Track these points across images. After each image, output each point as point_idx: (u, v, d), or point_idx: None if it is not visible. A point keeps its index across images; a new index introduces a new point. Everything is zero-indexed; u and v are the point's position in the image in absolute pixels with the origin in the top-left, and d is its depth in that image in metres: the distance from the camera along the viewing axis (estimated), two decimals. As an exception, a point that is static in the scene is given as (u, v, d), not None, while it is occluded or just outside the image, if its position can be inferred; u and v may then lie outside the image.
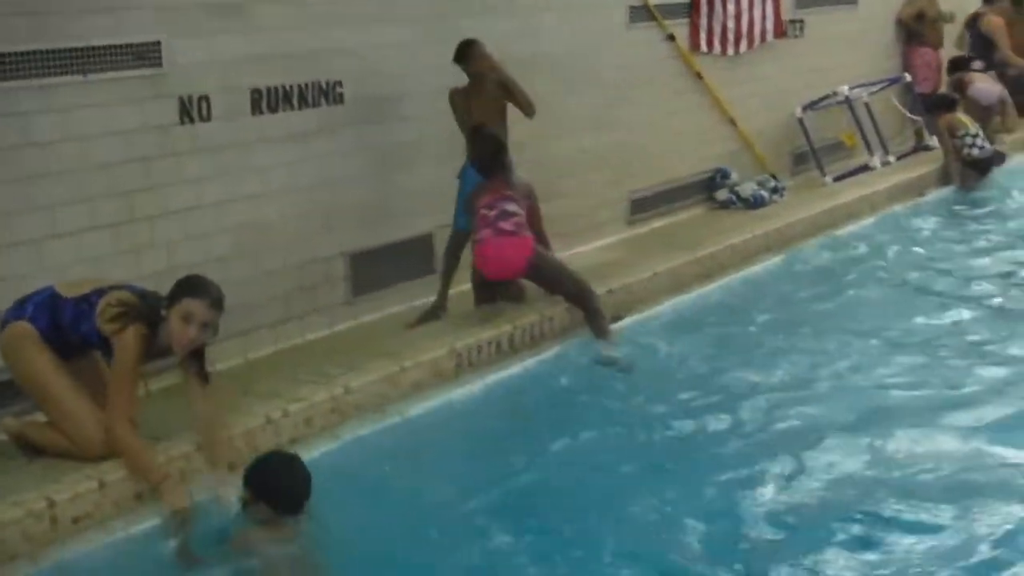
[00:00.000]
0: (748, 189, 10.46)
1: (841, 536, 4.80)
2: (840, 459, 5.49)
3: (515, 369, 6.72)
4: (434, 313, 7.40)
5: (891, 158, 11.63)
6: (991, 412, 5.96)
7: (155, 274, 5.99)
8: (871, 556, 4.65)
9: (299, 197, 7.00)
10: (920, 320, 7.43)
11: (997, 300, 7.75)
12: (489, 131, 7.23)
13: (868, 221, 10.00)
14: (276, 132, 6.83)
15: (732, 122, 10.71)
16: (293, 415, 5.65)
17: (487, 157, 7.18)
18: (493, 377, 6.59)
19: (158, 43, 6.20)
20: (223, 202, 6.63)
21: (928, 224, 10.01)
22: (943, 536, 4.78)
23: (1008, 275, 8.39)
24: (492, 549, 4.81)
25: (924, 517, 4.92)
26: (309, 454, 5.52)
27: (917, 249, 9.22)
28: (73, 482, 4.85)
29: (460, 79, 7.46)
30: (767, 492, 5.21)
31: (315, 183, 7.07)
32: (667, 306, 7.81)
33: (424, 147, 7.55)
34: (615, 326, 7.27)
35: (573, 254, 8.89)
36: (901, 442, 5.63)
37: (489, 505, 5.21)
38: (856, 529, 4.84)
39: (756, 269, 8.64)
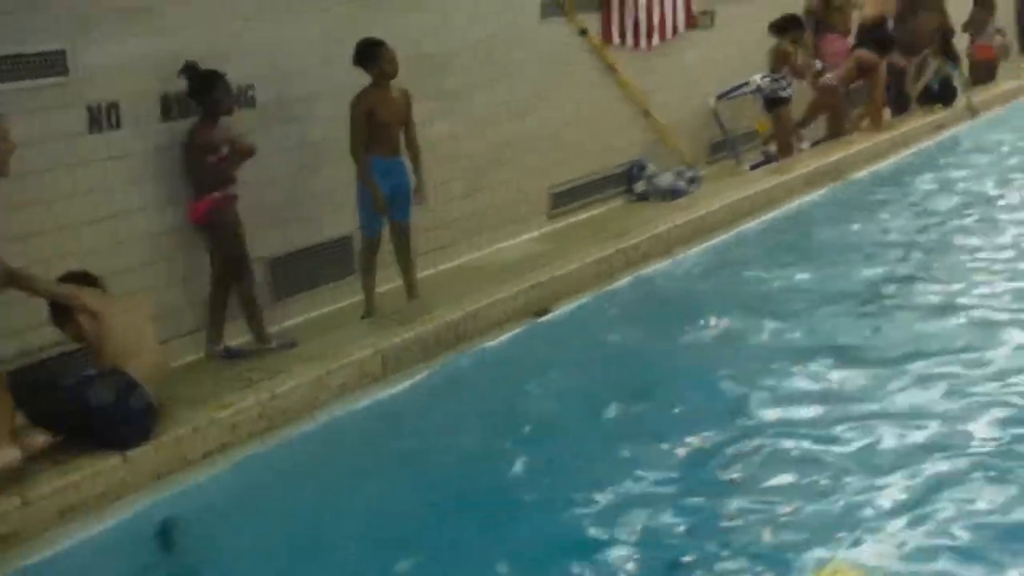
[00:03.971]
0: (665, 180, 10.67)
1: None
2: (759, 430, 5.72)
3: (440, 368, 6.79)
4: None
5: (805, 144, 11.92)
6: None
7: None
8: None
9: (160, 214, 6.97)
10: (836, 305, 7.63)
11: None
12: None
13: (788, 207, 10.22)
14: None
15: (647, 114, 10.91)
16: (219, 422, 5.68)
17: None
18: (418, 377, 6.65)
19: (63, 52, 6.19)
20: (138, 209, 6.63)
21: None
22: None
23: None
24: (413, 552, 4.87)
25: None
26: (236, 460, 5.62)
27: (832, 234, 9.47)
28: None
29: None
30: (701, 468, 5.37)
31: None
32: (592, 297, 7.93)
33: (339, 147, 7.58)
34: (541, 319, 7.42)
35: (496, 249, 9.05)
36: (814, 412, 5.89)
37: (408, 510, 5.28)
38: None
39: (679, 258, 8.79)
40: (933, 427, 5.67)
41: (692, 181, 10.80)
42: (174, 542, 5.04)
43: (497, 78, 9.16)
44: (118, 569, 4.82)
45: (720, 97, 11.72)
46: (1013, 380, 6.15)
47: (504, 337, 7.22)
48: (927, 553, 4.58)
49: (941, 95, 13.85)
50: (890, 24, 13.50)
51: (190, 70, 6.61)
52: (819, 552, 4.59)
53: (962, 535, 4.68)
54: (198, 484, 5.41)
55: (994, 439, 5.50)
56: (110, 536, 5.00)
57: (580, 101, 10.10)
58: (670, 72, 11.24)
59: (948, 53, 13.90)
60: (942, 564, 4.51)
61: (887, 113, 13.39)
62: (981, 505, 4.90)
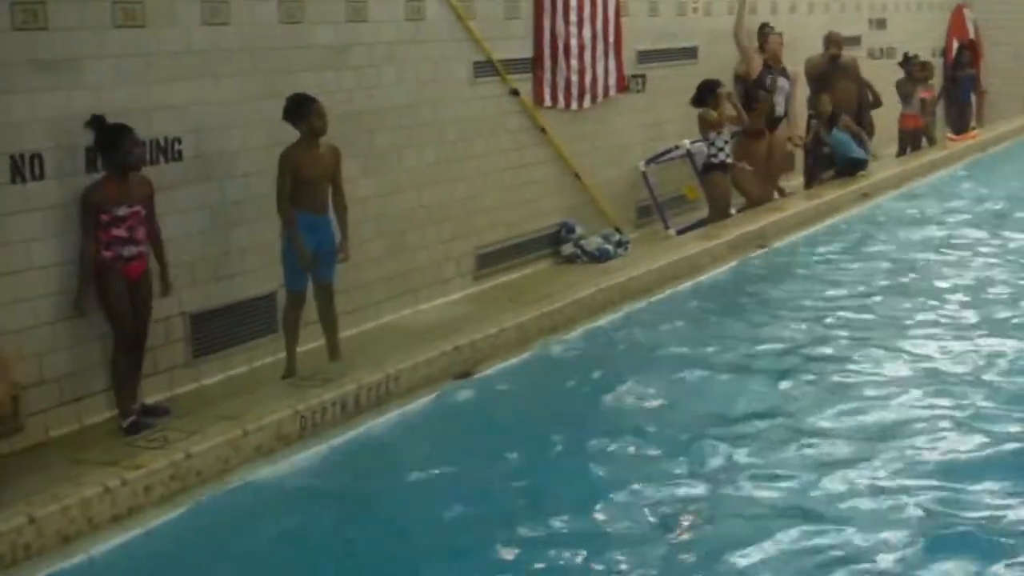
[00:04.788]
0: (593, 243, 10.85)
1: None
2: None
3: (360, 430, 6.82)
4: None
5: (733, 210, 12.18)
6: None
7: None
8: None
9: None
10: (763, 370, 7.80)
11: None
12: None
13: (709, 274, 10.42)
14: (112, 191, 6.84)
15: (576, 176, 11.09)
16: (131, 483, 5.65)
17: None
18: (338, 439, 6.67)
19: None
20: (56, 264, 6.61)
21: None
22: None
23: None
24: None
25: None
26: (148, 524, 5.58)
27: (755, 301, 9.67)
28: None
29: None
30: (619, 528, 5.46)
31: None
32: (514, 362, 8.01)
33: (264, 204, 7.62)
34: (463, 382, 7.49)
35: (418, 311, 9.11)
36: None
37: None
38: None
39: (601, 323, 8.92)
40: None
41: (620, 244, 10.99)
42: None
43: (426, 136, 9.28)
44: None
45: (649, 161, 11.97)
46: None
47: (425, 400, 7.26)
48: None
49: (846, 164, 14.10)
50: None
51: (96, 122, 6.60)
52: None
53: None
54: (110, 548, 5.36)
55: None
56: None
57: (509, 162, 10.26)
58: (600, 135, 11.46)
59: (861, 123, 14.28)
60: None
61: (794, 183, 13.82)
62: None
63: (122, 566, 5.29)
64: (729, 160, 11.80)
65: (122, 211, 6.63)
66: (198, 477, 5.98)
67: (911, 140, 16.39)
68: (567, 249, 10.81)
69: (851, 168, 13.98)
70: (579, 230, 10.95)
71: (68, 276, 6.65)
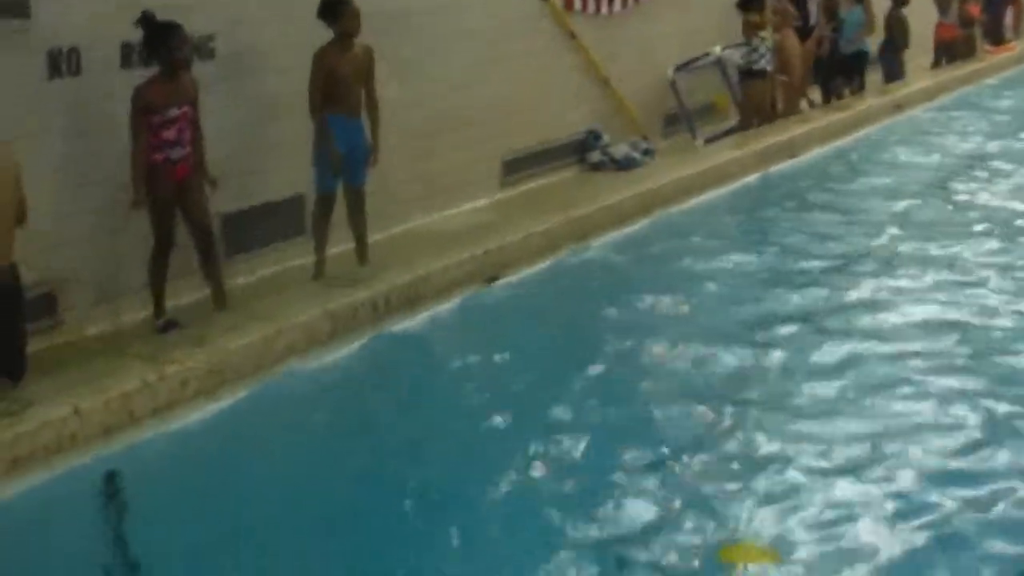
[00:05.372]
0: (620, 151, 10.91)
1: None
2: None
3: (389, 330, 6.99)
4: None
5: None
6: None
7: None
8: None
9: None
10: (783, 284, 7.92)
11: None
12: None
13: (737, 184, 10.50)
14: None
15: (605, 83, 11.13)
16: (169, 378, 5.85)
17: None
18: (368, 339, 6.85)
19: None
20: (93, 154, 6.74)
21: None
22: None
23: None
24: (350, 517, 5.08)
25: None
26: (186, 417, 5.81)
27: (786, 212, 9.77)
28: None
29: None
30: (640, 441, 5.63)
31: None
32: (541, 267, 8.16)
33: (295, 105, 7.70)
34: (493, 285, 7.65)
35: (445, 216, 9.25)
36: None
37: (355, 471, 5.49)
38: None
39: (628, 231, 9.04)
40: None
41: (646, 153, 11.05)
42: (117, 496, 5.22)
43: (453, 41, 9.31)
44: (63, 517, 5.00)
45: (679, 69, 11.96)
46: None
47: (454, 302, 7.43)
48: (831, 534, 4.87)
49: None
50: None
51: (145, 19, 6.65)
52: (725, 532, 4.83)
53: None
54: (145, 440, 5.59)
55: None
56: (57, 486, 5.16)
57: (537, 69, 10.28)
58: (629, 41, 11.45)
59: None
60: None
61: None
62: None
63: (161, 456, 5.51)
64: (769, 68, 11.83)
65: (172, 112, 6.68)
66: (233, 374, 6.18)
67: (947, 51, 16.29)
68: (594, 156, 10.88)
69: (856, 63, 13.77)
70: (606, 137, 11.01)
71: (104, 169, 6.79)
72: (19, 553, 4.74)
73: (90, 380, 5.67)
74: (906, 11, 14.49)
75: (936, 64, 16.25)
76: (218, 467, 5.48)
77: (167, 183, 6.73)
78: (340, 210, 7.88)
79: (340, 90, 7.46)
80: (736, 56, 11.99)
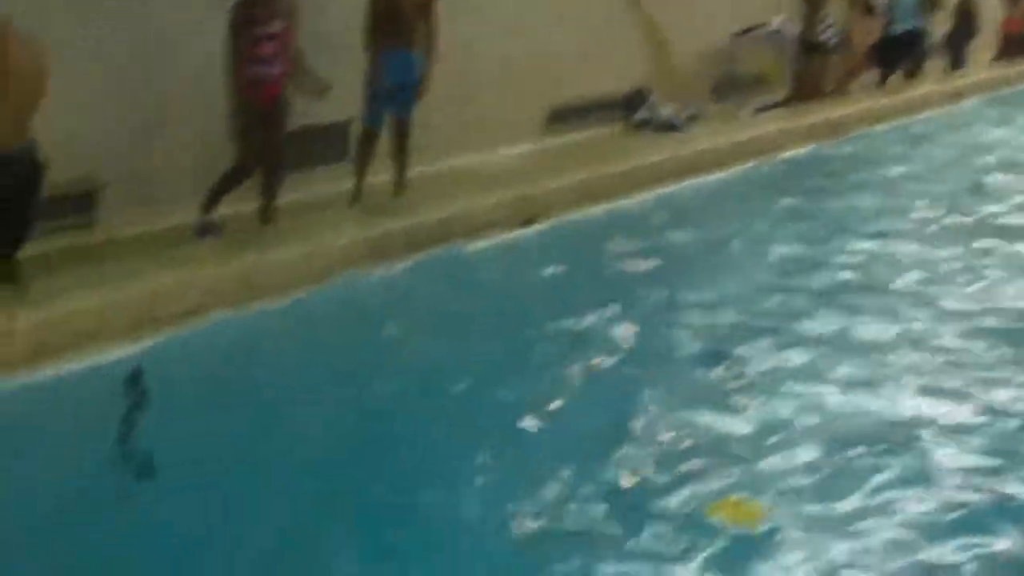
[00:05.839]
0: (666, 112, 10.92)
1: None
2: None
3: (424, 261, 7.08)
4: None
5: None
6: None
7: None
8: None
9: (213, 70, 7.19)
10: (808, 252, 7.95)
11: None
12: None
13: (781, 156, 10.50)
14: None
15: (659, 42, 11.14)
16: (199, 285, 5.97)
17: None
18: (401, 268, 6.94)
19: None
20: (142, 66, 6.84)
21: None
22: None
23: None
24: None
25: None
26: (214, 321, 5.92)
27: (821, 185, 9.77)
28: None
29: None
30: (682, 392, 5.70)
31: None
32: (578, 217, 8.23)
33: (347, 33, 7.77)
34: (528, 229, 7.71)
35: (485, 158, 9.31)
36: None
37: (378, 382, 5.55)
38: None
39: (669, 190, 9.09)
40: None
41: (692, 117, 11.06)
42: (141, 390, 5.34)
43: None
44: (84, 406, 5.13)
45: (736, 36, 11.95)
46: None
47: (489, 241, 7.51)
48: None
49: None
50: None
51: None
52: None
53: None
54: (172, 340, 5.70)
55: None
56: (81, 376, 5.29)
57: (593, 22, 10.31)
58: (688, 3, 11.44)
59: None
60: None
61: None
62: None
63: (184, 356, 5.62)
64: (832, 42, 11.81)
65: (275, 27, 6.70)
66: (266, 286, 6.29)
67: (1012, 46, 16.14)
68: (639, 115, 10.91)
69: (908, 44, 13.58)
70: (653, 98, 11.02)
71: (164, 82, 6.88)
72: (34, 435, 4.86)
73: (122, 277, 5.79)
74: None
75: (1000, 57, 16.13)
76: (240, 371, 5.59)
77: (260, 101, 6.78)
78: (383, 141, 7.96)
79: (397, 23, 7.52)
80: (795, 29, 11.97)
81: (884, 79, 13.70)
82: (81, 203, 6.71)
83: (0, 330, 5.15)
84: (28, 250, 5.93)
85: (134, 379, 5.32)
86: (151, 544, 4.13)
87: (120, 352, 5.45)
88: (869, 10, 13.11)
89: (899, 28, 13.33)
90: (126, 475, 4.63)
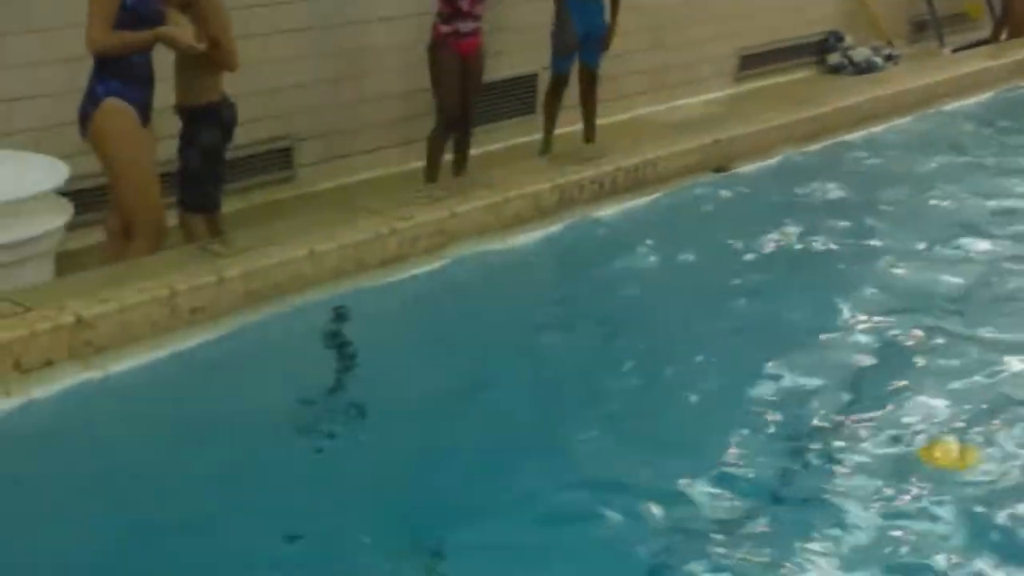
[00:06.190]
0: (862, 54, 10.64)
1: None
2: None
3: (615, 210, 7.07)
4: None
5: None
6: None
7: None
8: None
9: (407, 24, 7.34)
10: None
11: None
12: None
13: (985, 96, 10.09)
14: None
15: (853, -17, 10.85)
16: (400, 232, 6.08)
17: None
18: (593, 216, 6.94)
19: None
20: (335, 25, 6.99)
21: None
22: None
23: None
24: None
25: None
26: (412, 270, 6.04)
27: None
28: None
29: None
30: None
31: (423, 10, 7.40)
32: (772, 163, 8.08)
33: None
34: (720, 175, 7.62)
35: (674, 106, 9.23)
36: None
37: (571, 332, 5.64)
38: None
39: (865, 132, 8.84)
40: None
41: (889, 58, 10.75)
42: (343, 331, 5.50)
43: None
44: (291, 347, 5.30)
45: (932, -27, 11.54)
46: None
47: (680, 188, 7.44)
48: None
49: None
50: None
51: None
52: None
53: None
54: (374, 287, 5.85)
55: None
56: (290, 318, 5.46)
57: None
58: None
59: None
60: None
61: None
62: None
63: (384, 303, 5.75)
64: None
65: None
66: (460, 235, 6.37)
67: None
68: (834, 58, 10.66)
69: None
70: (848, 40, 10.74)
71: (340, 39, 7.03)
72: (243, 378, 5.05)
73: (325, 226, 5.94)
74: None
75: None
76: (438, 316, 5.73)
77: (453, 56, 6.85)
78: (570, 92, 7.97)
79: None
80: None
81: None
82: (280, 159, 6.90)
83: (212, 279, 5.33)
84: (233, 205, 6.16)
85: (337, 318, 5.51)
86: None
87: (326, 296, 5.60)
88: None
89: None
90: (334, 417, 4.81)
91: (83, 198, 6.04)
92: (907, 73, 10.11)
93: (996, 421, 4.89)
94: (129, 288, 5.10)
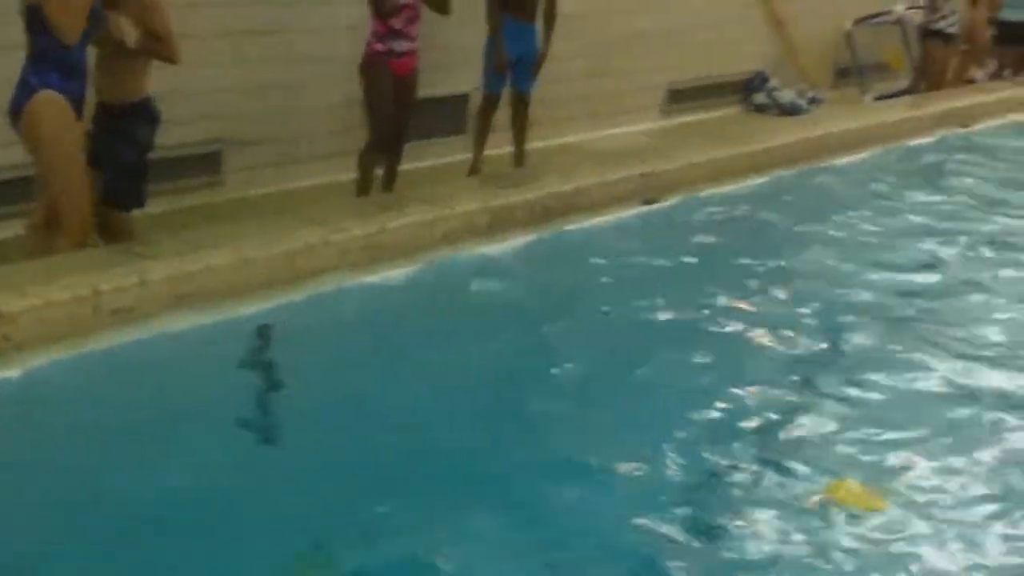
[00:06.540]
0: (786, 96, 10.84)
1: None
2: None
3: (544, 236, 7.08)
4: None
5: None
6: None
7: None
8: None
9: (338, 36, 7.28)
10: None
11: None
12: None
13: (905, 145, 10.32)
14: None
15: (781, 27, 11.03)
16: (332, 244, 6.02)
17: None
18: (523, 241, 6.95)
19: None
20: (274, 33, 6.93)
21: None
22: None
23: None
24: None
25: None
26: (342, 283, 5.98)
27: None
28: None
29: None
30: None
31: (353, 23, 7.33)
32: (703, 195, 8.16)
33: (470, 5, 7.79)
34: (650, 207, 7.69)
35: (604, 135, 9.30)
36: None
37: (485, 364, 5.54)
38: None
39: (792, 172, 8.98)
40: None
41: (813, 101, 10.96)
42: (269, 343, 5.42)
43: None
44: (216, 356, 5.21)
45: (858, 22, 11.80)
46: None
47: (610, 217, 7.48)
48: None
49: None
50: None
51: None
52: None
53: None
54: (302, 298, 5.77)
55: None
56: (214, 328, 5.37)
57: (714, 2, 10.24)
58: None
59: None
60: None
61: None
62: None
63: (313, 315, 5.68)
64: (953, 31, 11.60)
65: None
66: (389, 252, 6.33)
67: None
68: (759, 98, 10.84)
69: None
70: (774, 81, 10.94)
71: (284, 51, 6.98)
72: (172, 380, 4.97)
73: (255, 235, 5.87)
74: None
75: None
76: (364, 332, 5.65)
77: (387, 75, 6.79)
78: (501, 115, 7.99)
79: None
80: (918, 17, 11.79)
81: (1002, 70, 13.43)
82: (208, 162, 6.81)
83: (135, 281, 5.22)
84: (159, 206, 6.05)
85: (262, 333, 5.43)
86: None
87: (253, 306, 5.53)
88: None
89: (1016, 15, 13.04)
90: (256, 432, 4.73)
91: (3, 190, 5.88)
92: (831, 118, 10.30)
93: (909, 460, 4.96)
94: (53, 284, 4.99)
